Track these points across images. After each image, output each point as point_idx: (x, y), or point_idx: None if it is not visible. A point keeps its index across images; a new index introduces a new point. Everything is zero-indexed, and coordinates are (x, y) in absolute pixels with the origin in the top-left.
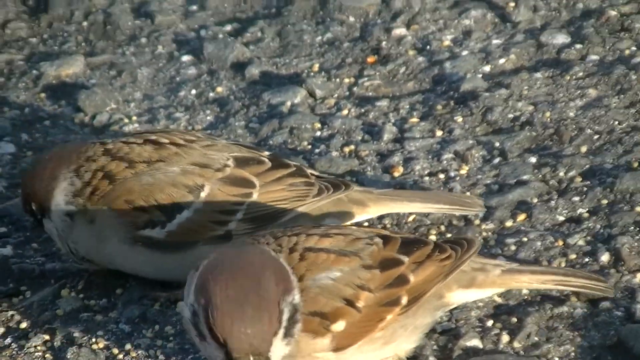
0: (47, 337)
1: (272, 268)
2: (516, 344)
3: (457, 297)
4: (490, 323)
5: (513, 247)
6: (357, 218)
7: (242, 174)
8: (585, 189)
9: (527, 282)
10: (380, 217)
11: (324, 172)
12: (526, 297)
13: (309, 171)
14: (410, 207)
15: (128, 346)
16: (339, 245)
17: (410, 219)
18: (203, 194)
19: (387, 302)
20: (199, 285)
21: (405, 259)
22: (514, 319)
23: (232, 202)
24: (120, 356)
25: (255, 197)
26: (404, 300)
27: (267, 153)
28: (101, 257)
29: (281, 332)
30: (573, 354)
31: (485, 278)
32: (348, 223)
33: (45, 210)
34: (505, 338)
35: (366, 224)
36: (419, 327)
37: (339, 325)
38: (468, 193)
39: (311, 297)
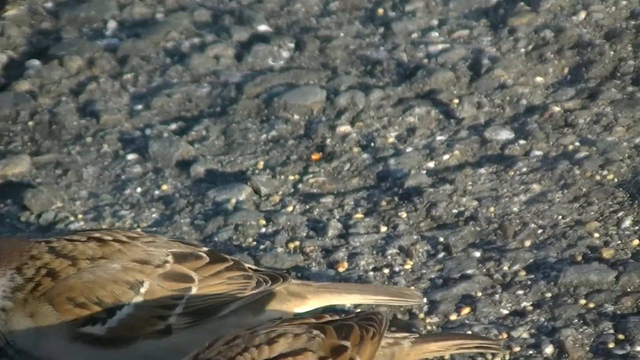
0: None
1: None
2: None
3: None
4: None
5: None
6: (297, 310)
7: (181, 269)
8: (529, 282)
9: (435, 350)
10: (324, 311)
11: (269, 268)
12: None
13: (247, 265)
14: (349, 299)
15: None
16: (289, 346)
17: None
18: (143, 290)
19: None
20: None
21: (347, 343)
22: None
23: (171, 297)
24: None
25: (194, 291)
26: None
27: (205, 248)
28: (40, 352)
29: None
30: None
31: (401, 351)
32: (287, 315)
33: None
34: None
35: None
36: None
37: None
38: (412, 287)
39: None
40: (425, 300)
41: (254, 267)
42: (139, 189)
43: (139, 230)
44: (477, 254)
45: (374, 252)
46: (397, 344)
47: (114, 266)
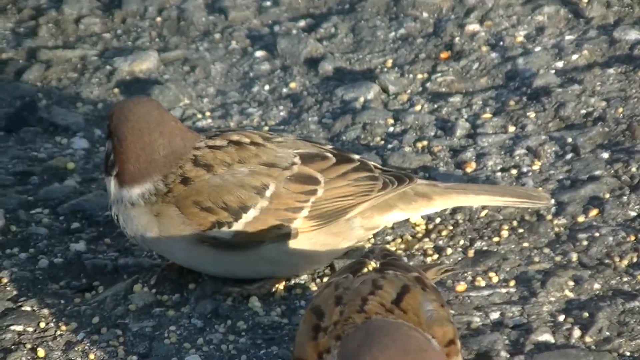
0: (119, 332)
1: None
2: (587, 339)
3: None
4: (562, 318)
5: (585, 242)
6: (423, 211)
7: (307, 171)
8: None
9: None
10: (453, 213)
11: (397, 168)
12: (598, 292)
13: (373, 164)
14: (476, 200)
15: (200, 341)
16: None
17: (483, 214)
18: (269, 193)
19: None
20: None
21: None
22: (586, 314)
23: (297, 200)
24: (193, 350)
25: (320, 193)
26: None
27: (330, 147)
28: (160, 249)
29: None
30: None
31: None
32: (414, 216)
33: (118, 175)
34: (576, 333)
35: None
36: None
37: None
38: (540, 188)
39: None
40: (553, 201)
41: (380, 167)
42: (267, 87)
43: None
44: (605, 155)
45: (502, 153)
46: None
47: (242, 170)
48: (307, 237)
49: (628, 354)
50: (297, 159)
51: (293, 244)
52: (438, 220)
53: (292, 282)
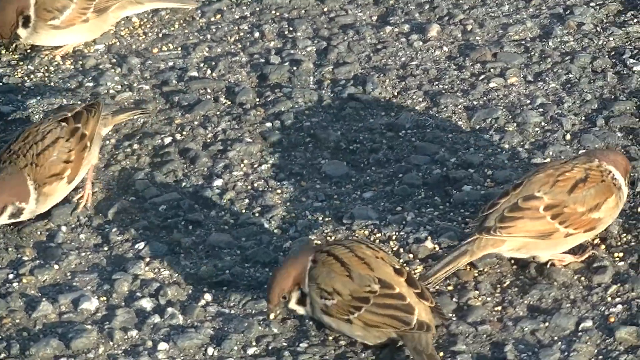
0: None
1: None
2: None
3: None
4: (220, 97)
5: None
6: (139, 10)
7: None
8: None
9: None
10: (155, 12)
11: None
12: (245, 79)
13: None
14: (164, 5)
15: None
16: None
17: (167, 17)
18: (73, 5)
19: None
20: None
21: (80, 124)
22: (234, 90)
23: (87, 5)
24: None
25: (95, 2)
26: None
27: None
28: (36, 38)
29: None
30: None
31: (106, 121)
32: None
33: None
34: (226, 102)
35: None
36: None
37: None
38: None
39: None
40: (199, 3)
41: None
42: None
43: None
44: None
45: None
46: (104, 118)
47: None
48: (92, 22)
49: (268, 124)
50: None
51: (86, 25)
52: (151, 15)
53: (81, 47)
